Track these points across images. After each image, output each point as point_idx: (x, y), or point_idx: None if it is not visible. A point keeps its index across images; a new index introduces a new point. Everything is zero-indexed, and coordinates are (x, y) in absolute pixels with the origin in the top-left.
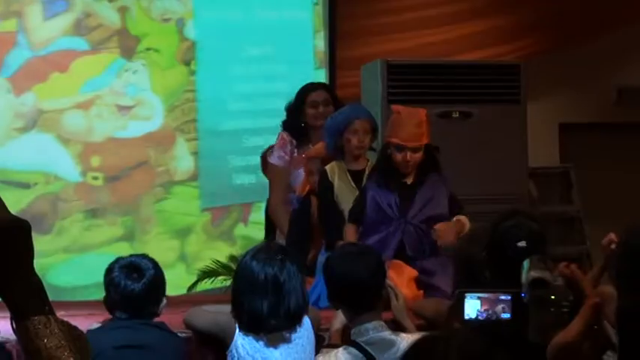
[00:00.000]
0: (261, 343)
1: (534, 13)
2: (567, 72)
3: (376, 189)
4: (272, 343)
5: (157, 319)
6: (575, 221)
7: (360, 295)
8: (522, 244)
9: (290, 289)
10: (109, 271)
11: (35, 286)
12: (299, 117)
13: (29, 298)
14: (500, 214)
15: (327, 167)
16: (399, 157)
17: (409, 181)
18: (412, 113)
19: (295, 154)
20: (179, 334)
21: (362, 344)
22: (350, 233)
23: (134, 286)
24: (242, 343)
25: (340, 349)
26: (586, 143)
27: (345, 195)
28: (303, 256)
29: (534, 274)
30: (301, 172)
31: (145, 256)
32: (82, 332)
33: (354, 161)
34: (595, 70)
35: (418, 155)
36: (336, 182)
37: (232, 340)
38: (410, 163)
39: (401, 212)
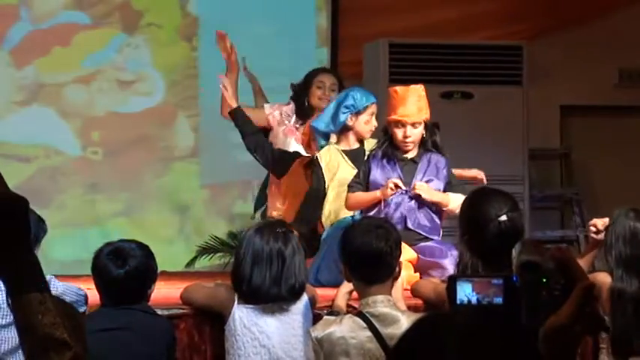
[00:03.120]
0: (258, 314)
1: None
2: (569, 54)
3: (379, 165)
4: (270, 314)
5: (153, 297)
6: (575, 203)
7: (374, 267)
8: (503, 217)
9: (293, 263)
10: (96, 255)
11: (31, 263)
12: (304, 96)
13: (25, 275)
14: (473, 194)
15: (322, 153)
16: (399, 134)
17: (410, 156)
18: (409, 90)
19: (291, 123)
20: (169, 314)
21: (367, 315)
22: (354, 196)
23: (117, 272)
24: (239, 315)
25: (346, 316)
26: (587, 125)
27: (348, 175)
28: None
29: (525, 257)
30: (292, 141)
31: (134, 242)
32: (76, 310)
33: (355, 142)
34: (597, 53)
35: (418, 131)
36: (335, 165)
37: (230, 314)
38: (410, 140)
39: (404, 184)
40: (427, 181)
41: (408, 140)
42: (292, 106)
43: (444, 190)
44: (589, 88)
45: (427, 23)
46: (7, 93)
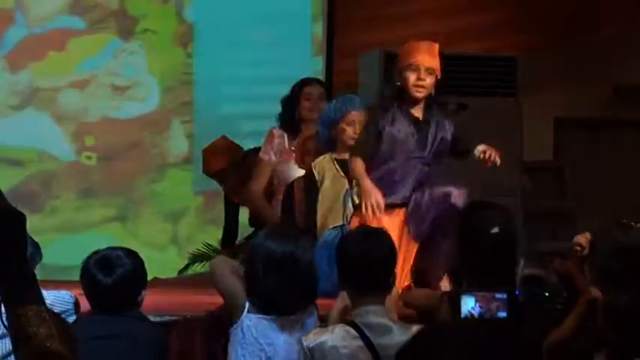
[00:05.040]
0: (270, 325)
1: (533, 7)
2: (563, 67)
3: (390, 123)
4: (280, 327)
5: (145, 304)
6: (568, 216)
7: (369, 277)
8: (495, 230)
9: (306, 264)
10: (84, 264)
11: (27, 276)
12: (293, 110)
13: (22, 287)
14: (468, 208)
15: (316, 162)
16: (412, 77)
17: (419, 115)
18: (425, 42)
19: (286, 146)
20: (161, 320)
21: (360, 325)
22: (359, 166)
23: (105, 280)
24: (248, 324)
25: (339, 325)
26: (581, 139)
27: (338, 185)
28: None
29: (528, 271)
30: (292, 164)
31: (122, 249)
32: (69, 323)
33: (345, 152)
34: (591, 66)
35: (431, 81)
36: (326, 174)
37: (239, 320)
38: (423, 85)
39: (417, 146)
40: (439, 144)
41: (420, 84)
42: (274, 130)
43: (454, 147)
44: (583, 101)
45: (422, 34)
46: (2, 97)
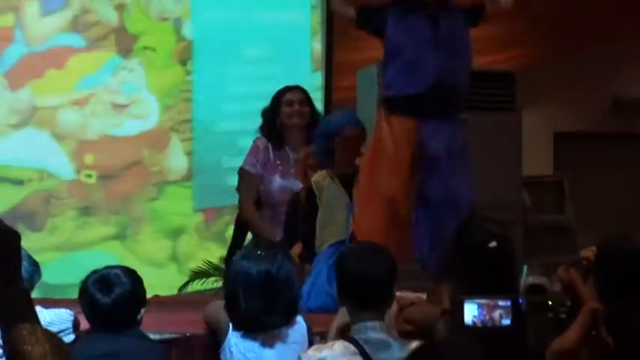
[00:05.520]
0: (255, 342)
1: (531, 22)
2: (562, 81)
3: (399, 17)
4: (267, 343)
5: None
6: (568, 230)
7: (368, 293)
8: (493, 244)
9: (284, 280)
10: (82, 283)
11: (22, 295)
12: (275, 118)
13: (16, 306)
14: (462, 223)
15: (315, 178)
16: None
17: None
18: None
19: (271, 159)
20: (161, 338)
21: (359, 341)
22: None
23: (104, 300)
24: (235, 342)
25: (338, 341)
26: (580, 152)
27: (337, 200)
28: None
29: (532, 280)
30: (276, 178)
31: (121, 268)
32: (64, 342)
33: (344, 166)
34: (590, 80)
35: None
36: (325, 190)
37: (226, 339)
38: None
39: (437, 43)
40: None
41: None
42: (258, 141)
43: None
44: (583, 116)
45: None
46: (1, 115)
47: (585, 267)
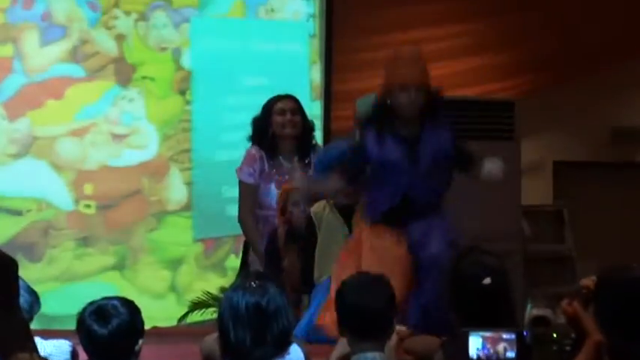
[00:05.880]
0: None
1: (530, 51)
2: (561, 110)
3: (377, 140)
4: None
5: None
6: (567, 260)
7: (368, 324)
8: (487, 281)
9: (274, 310)
10: (79, 315)
11: (21, 324)
12: (267, 128)
13: (14, 335)
14: (459, 256)
15: (315, 209)
16: (403, 98)
17: (412, 131)
18: (409, 51)
19: (266, 169)
20: None
21: None
22: (334, 181)
23: (101, 332)
24: None
25: None
26: (579, 182)
27: (336, 232)
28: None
29: (536, 312)
30: (272, 188)
31: (119, 299)
32: None
33: (345, 197)
34: (589, 109)
35: (421, 97)
36: (325, 220)
37: None
38: (415, 105)
39: (410, 163)
40: (434, 161)
41: (413, 106)
42: (252, 149)
43: (456, 164)
44: (582, 145)
45: None
46: (0, 145)
47: (585, 296)
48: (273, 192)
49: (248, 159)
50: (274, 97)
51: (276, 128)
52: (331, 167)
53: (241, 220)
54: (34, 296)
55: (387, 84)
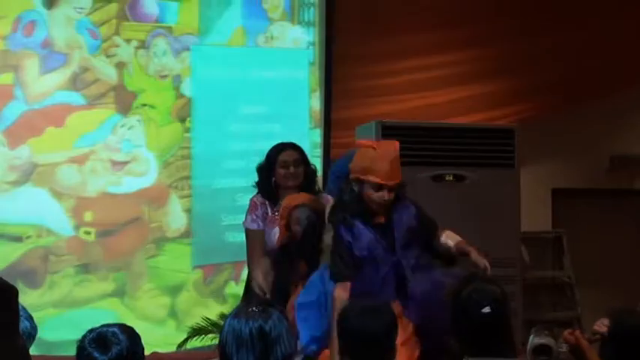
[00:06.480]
0: None
1: (529, 79)
2: (560, 138)
3: (351, 236)
4: None
5: None
6: (567, 286)
7: (371, 350)
8: (487, 309)
9: (277, 336)
10: (79, 342)
11: (20, 349)
12: (270, 177)
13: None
14: (459, 282)
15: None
16: (375, 196)
17: (381, 219)
18: (386, 149)
19: (269, 214)
20: None
21: None
22: (343, 294)
23: (101, 358)
24: None
25: None
26: (578, 209)
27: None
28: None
29: (538, 340)
30: (276, 231)
31: (118, 326)
32: None
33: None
34: (588, 137)
35: (393, 195)
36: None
37: None
38: (387, 203)
39: (388, 249)
40: (407, 241)
41: (385, 204)
42: (255, 198)
43: (421, 233)
44: (581, 173)
45: (420, 105)
46: (0, 172)
47: (598, 340)
48: (276, 235)
49: (251, 207)
50: (278, 147)
51: (278, 179)
52: (343, 174)
53: (251, 268)
54: (33, 322)
55: (361, 176)
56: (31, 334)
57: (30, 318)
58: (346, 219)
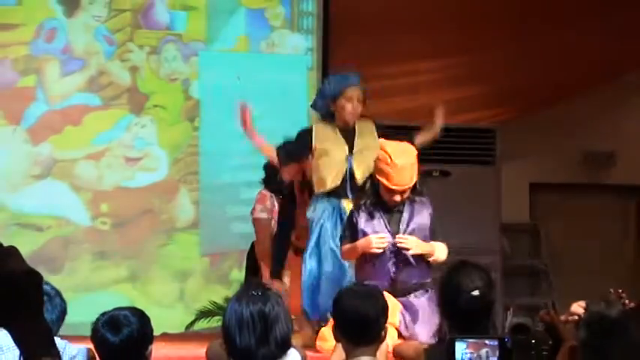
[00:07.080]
0: None
1: (508, 82)
2: (537, 136)
3: (365, 216)
4: None
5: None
6: (543, 274)
7: (363, 330)
8: (476, 293)
9: (275, 317)
10: (94, 324)
11: (45, 332)
12: (275, 173)
13: (39, 342)
14: (448, 268)
15: (317, 128)
16: (387, 197)
17: (397, 204)
18: (406, 159)
19: (275, 207)
20: None
21: None
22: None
23: (113, 340)
24: None
25: None
26: (554, 201)
27: (335, 145)
28: None
29: (516, 320)
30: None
31: (129, 309)
32: None
33: (344, 125)
34: (562, 135)
35: (405, 194)
36: (328, 140)
37: None
38: (398, 203)
39: (394, 235)
40: (411, 231)
41: (397, 203)
42: (263, 191)
43: (430, 236)
44: (556, 168)
45: (408, 107)
46: (24, 167)
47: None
48: None
49: (260, 199)
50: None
51: (284, 175)
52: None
53: (259, 254)
54: (63, 300)
55: (378, 175)
56: (64, 310)
57: (60, 295)
58: (365, 204)
